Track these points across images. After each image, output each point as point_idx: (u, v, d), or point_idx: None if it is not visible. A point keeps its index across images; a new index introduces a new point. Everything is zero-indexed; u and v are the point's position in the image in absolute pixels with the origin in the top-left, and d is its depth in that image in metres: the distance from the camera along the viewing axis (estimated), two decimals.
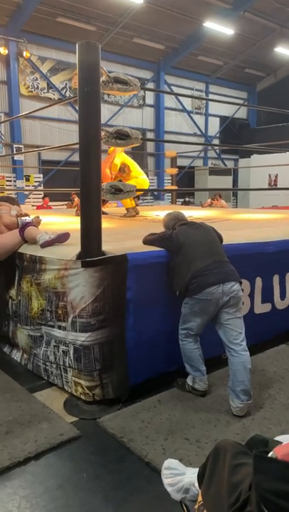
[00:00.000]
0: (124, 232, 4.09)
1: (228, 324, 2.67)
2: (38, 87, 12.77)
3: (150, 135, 15.46)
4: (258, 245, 3.52)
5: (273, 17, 13.53)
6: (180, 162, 12.10)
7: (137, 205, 5.50)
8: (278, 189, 8.86)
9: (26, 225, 3.33)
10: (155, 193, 15.48)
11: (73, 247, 2.81)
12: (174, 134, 16.09)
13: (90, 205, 2.71)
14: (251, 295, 3.46)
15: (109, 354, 2.74)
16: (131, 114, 15.09)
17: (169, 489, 1.74)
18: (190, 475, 1.69)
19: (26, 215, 3.66)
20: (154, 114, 15.77)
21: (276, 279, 3.67)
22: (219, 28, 12.99)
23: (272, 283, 3.64)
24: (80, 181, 2.71)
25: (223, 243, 3.05)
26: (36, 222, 3.47)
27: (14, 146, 12.25)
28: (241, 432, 2.42)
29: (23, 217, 3.51)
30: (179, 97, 16.43)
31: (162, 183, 15.61)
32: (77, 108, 2.83)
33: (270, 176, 14.51)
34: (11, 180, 12.58)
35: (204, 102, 17.28)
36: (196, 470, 1.63)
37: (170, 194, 10.97)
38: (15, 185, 12.48)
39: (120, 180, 5.23)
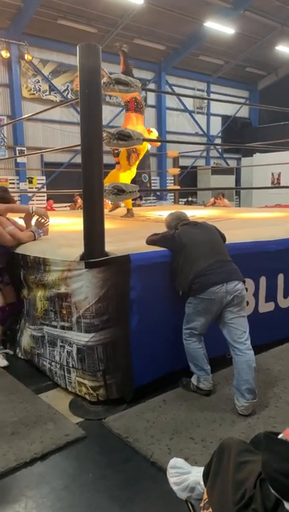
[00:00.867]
0: (127, 233, 4.10)
1: (232, 323, 2.68)
2: (39, 90, 12.80)
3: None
4: (261, 244, 3.52)
5: (274, 15, 13.49)
6: (182, 162, 12.09)
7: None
8: (281, 187, 8.83)
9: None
10: (158, 193, 15.48)
11: (77, 248, 2.82)
12: (176, 134, 16.08)
13: (92, 206, 2.72)
14: (256, 294, 3.46)
15: (113, 354, 2.75)
16: None
17: (174, 488, 1.75)
18: (195, 474, 1.69)
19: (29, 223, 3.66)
20: (155, 114, 15.77)
21: (281, 277, 3.67)
22: (220, 27, 12.98)
23: (276, 282, 3.64)
24: (83, 182, 2.72)
25: (227, 242, 3.06)
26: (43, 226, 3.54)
27: (17, 148, 12.29)
28: (247, 431, 2.42)
29: (37, 230, 3.54)
30: (180, 97, 16.40)
31: (165, 183, 15.60)
32: (78, 110, 2.84)
33: (272, 174, 14.49)
34: (14, 183, 12.62)
35: (206, 101, 17.26)
36: (202, 469, 1.64)
37: (173, 194, 10.96)
38: (18, 188, 12.52)
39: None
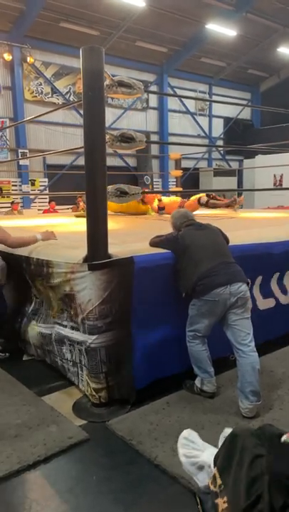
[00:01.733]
0: (131, 234, 4.10)
1: (236, 325, 2.67)
2: (42, 92, 12.84)
3: (154, 137, 15.47)
4: (264, 245, 3.51)
5: (276, 17, 13.50)
6: (184, 164, 12.09)
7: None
8: (284, 189, 8.80)
9: None
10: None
11: (80, 250, 2.82)
12: (178, 136, 16.09)
13: (96, 208, 2.72)
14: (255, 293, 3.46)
15: (115, 356, 2.75)
16: (135, 117, 15.12)
17: (182, 459, 1.71)
18: (208, 455, 1.66)
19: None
20: (157, 116, 15.79)
21: (287, 278, 3.67)
22: (222, 29, 12.99)
23: (276, 282, 3.63)
24: (86, 184, 2.72)
25: (230, 244, 3.05)
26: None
27: (19, 151, 12.32)
28: None
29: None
30: (182, 99, 16.42)
31: (167, 185, 15.61)
32: (81, 112, 2.85)
33: (275, 176, 14.45)
34: (16, 185, 12.65)
35: (208, 103, 17.28)
36: (215, 451, 1.62)
37: (175, 196, 10.96)
38: (20, 190, 12.54)
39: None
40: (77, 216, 6.45)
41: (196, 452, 1.71)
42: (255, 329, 2.74)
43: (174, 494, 1.83)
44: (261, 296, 3.53)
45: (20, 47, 11.95)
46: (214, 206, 5.88)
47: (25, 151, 12.41)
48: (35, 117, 5.07)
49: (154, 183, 15.57)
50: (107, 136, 2.78)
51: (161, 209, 5.43)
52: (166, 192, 15.32)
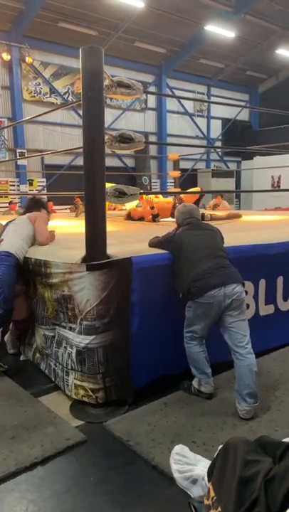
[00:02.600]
0: (129, 235, 4.10)
1: (232, 327, 2.67)
2: (40, 92, 12.83)
3: (152, 138, 15.48)
4: (261, 247, 3.52)
5: (274, 19, 13.54)
6: (183, 165, 12.10)
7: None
8: (281, 190, 8.83)
9: None
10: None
11: (78, 251, 2.82)
12: (177, 137, 16.10)
13: (94, 208, 2.72)
14: (255, 297, 3.46)
15: (113, 357, 2.75)
16: (133, 118, 15.13)
17: (176, 475, 1.72)
18: (201, 468, 1.67)
19: None
20: (156, 117, 15.80)
21: (280, 280, 3.66)
22: (220, 30, 13.02)
23: (276, 285, 3.64)
24: (85, 185, 2.72)
25: (227, 245, 3.05)
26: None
27: (17, 150, 12.30)
28: (248, 435, 2.39)
29: None
30: (181, 99, 16.44)
31: (165, 186, 15.62)
32: (79, 112, 2.85)
33: (273, 177, 14.49)
34: (14, 185, 12.62)
35: (206, 104, 17.30)
36: (208, 463, 1.62)
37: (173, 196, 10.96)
38: (18, 190, 12.52)
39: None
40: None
41: (189, 467, 1.72)
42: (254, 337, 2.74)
43: (171, 495, 1.83)
44: (264, 301, 3.53)
45: (19, 47, 11.93)
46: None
47: (24, 151, 12.39)
48: (33, 117, 5.07)
49: (153, 183, 15.58)
50: (106, 137, 2.78)
51: (155, 216, 5.41)
52: (164, 193, 15.35)
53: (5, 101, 12.30)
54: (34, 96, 12.71)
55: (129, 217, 5.83)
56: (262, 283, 3.49)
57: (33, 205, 3.75)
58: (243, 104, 18.38)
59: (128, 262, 2.74)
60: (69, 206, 11.89)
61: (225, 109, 17.71)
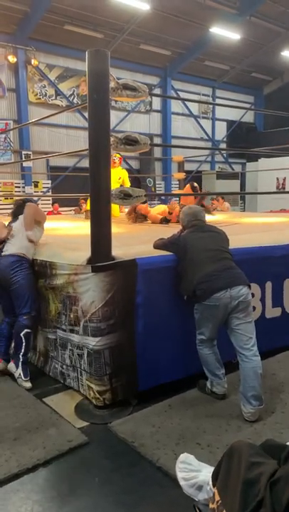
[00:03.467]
0: (134, 237, 4.11)
1: (238, 329, 2.66)
2: (46, 94, 12.88)
3: (157, 140, 15.49)
4: (267, 249, 3.51)
5: (279, 21, 13.53)
6: (187, 166, 12.10)
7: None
8: (286, 192, 8.80)
9: None
10: (162, 197, 15.49)
11: (83, 252, 2.83)
12: (181, 139, 16.11)
13: (99, 210, 2.73)
14: (262, 300, 3.45)
15: (119, 358, 2.75)
16: (138, 120, 15.15)
17: (182, 483, 1.73)
18: (205, 473, 1.68)
19: None
20: (161, 119, 15.81)
21: (287, 283, 3.65)
22: (225, 33, 13.02)
23: (282, 287, 3.63)
24: (90, 187, 2.73)
25: (233, 247, 3.05)
26: None
27: (23, 152, 12.35)
28: (253, 437, 2.40)
29: None
30: (185, 101, 16.45)
31: (170, 188, 15.62)
32: (84, 114, 2.86)
33: (278, 179, 14.45)
34: (19, 187, 12.68)
35: (211, 106, 17.29)
36: (212, 469, 1.63)
37: (178, 199, 10.98)
38: (24, 192, 12.57)
39: None
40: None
41: (194, 473, 1.73)
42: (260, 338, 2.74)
43: (175, 497, 1.83)
44: (271, 304, 3.52)
45: (25, 49, 12.00)
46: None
47: (29, 152, 12.44)
48: (39, 119, 5.10)
49: (157, 185, 15.59)
50: (112, 139, 2.79)
51: (164, 220, 5.36)
52: (168, 195, 15.36)
53: (11, 103, 12.37)
54: (40, 98, 12.76)
55: (134, 211, 5.71)
56: (268, 285, 3.48)
57: (17, 209, 3.58)
58: (248, 106, 18.36)
59: (133, 264, 2.75)
60: (74, 208, 11.93)
61: (230, 111, 17.70)
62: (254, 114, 19.05)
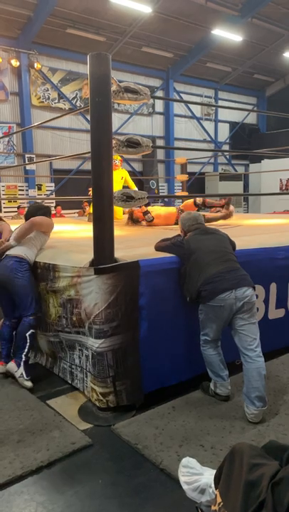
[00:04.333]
0: (137, 239, 4.11)
1: (242, 330, 2.66)
2: (49, 98, 12.94)
3: (160, 142, 15.52)
4: (271, 250, 3.51)
5: (281, 22, 13.52)
6: (190, 168, 12.12)
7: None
8: None
9: None
10: (165, 199, 15.51)
11: (86, 255, 2.84)
12: (184, 141, 16.12)
13: (102, 212, 2.74)
14: (266, 301, 3.45)
15: (122, 361, 2.75)
16: (141, 122, 15.19)
17: (184, 487, 1.73)
18: (208, 476, 1.68)
19: None
20: (163, 121, 15.84)
21: None
22: (227, 34, 13.03)
23: (286, 288, 3.62)
24: (93, 189, 2.74)
25: (236, 249, 3.05)
26: None
27: (26, 155, 12.42)
28: (256, 439, 2.40)
29: None
30: (188, 104, 16.46)
31: (172, 190, 15.63)
32: (87, 117, 2.88)
33: (281, 180, 14.45)
34: (23, 190, 12.73)
35: (213, 108, 17.31)
36: (214, 471, 1.63)
37: (181, 200, 11.00)
38: (27, 194, 12.62)
39: None
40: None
41: (196, 477, 1.73)
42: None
43: (179, 499, 1.83)
44: (275, 305, 3.52)
45: (28, 53, 12.07)
46: (211, 206, 5.86)
47: (32, 155, 12.50)
48: (42, 123, 5.12)
49: (160, 187, 15.60)
50: (114, 142, 2.80)
51: (145, 214, 5.30)
52: (171, 197, 15.37)
53: (14, 107, 12.44)
54: (42, 101, 12.83)
55: (131, 217, 5.62)
56: (273, 287, 3.48)
57: (34, 211, 3.58)
58: (250, 107, 18.35)
59: (136, 266, 2.76)
60: (77, 210, 11.97)
61: (232, 112, 17.72)
62: (257, 115, 19.04)
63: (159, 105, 15.57)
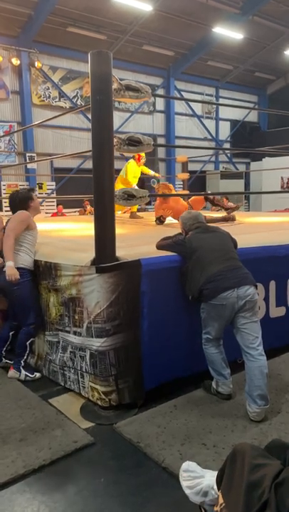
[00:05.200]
0: (138, 238, 4.11)
1: (244, 329, 2.66)
2: (49, 96, 12.94)
3: (161, 140, 15.51)
4: (271, 249, 3.50)
5: (282, 20, 13.50)
6: (191, 167, 12.07)
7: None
8: None
9: None
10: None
11: (88, 254, 2.84)
12: (185, 139, 16.11)
13: (103, 211, 2.74)
14: (266, 299, 3.44)
15: (124, 359, 2.75)
16: (142, 120, 15.18)
17: (187, 492, 1.73)
18: (209, 478, 1.68)
19: None
20: (164, 119, 15.83)
21: None
22: (228, 32, 13.02)
23: (286, 286, 3.61)
24: (94, 188, 2.74)
25: (237, 247, 3.05)
26: None
27: (27, 154, 12.42)
28: (259, 437, 2.40)
29: None
30: (189, 102, 16.45)
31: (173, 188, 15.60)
32: (88, 116, 2.87)
33: (282, 178, 14.43)
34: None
35: (214, 106, 17.28)
36: (215, 473, 1.63)
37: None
38: None
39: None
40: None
41: (198, 480, 1.72)
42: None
43: (181, 497, 1.82)
44: (275, 303, 3.51)
45: (28, 52, 12.07)
46: (217, 204, 5.89)
47: (33, 154, 12.50)
48: (42, 121, 5.12)
49: None
50: (115, 140, 2.80)
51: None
52: (172, 195, 15.35)
53: (14, 105, 12.43)
54: (43, 100, 12.82)
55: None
56: (272, 285, 3.47)
57: (17, 203, 3.36)
58: (251, 105, 18.34)
59: (137, 264, 2.75)
60: (78, 209, 11.97)
61: (233, 110, 17.69)
62: (258, 113, 19.02)
63: (160, 103, 15.56)
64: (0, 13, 10.65)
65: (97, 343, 2.73)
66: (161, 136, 15.63)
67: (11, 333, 3.44)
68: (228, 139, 17.99)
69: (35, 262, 3.30)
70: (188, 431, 2.49)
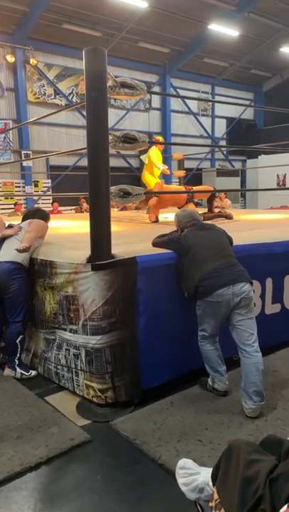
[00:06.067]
0: (134, 235, 4.11)
1: (240, 325, 2.67)
2: (45, 94, 12.87)
3: None
4: (267, 246, 3.51)
5: (278, 17, 13.47)
6: (187, 164, 12.06)
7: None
8: (287, 189, 8.79)
9: None
10: None
11: (83, 251, 2.84)
12: (181, 137, 16.08)
13: (99, 208, 2.73)
14: (262, 296, 3.45)
15: (120, 356, 2.76)
16: (137, 118, 15.14)
17: (183, 489, 1.74)
18: (205, 474, 1.69)
19: None
20: (160, 117, 15.80)
21: (287, 279, 3.65)
22: (224, 29, 12.98)
23: (282, 283, 3.63)
24: (89, 186, 2.73)
25: (233, 244, 3.05)
26: None
27: (22, 152, 12.36)
28: (254, 433, 2.41)
29: None
30: (185, 99, 16.41)
31: None
32: (83, 113, 2.86)
33: (278, 176, 14.43)
34: (20, 186, 12.68)
35: (210, 103, 17.26)
36: (210, 470, 1.63)
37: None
38: (24, 191, 12.58)
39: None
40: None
41: (193, 477, 1.73)
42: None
43: (178, 494, 1.83)
44: (271, 300, 3.52)
45: (23, 49, 11.99)
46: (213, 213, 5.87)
47: (29, 152, 12.44)
48: (38, 119, 5.09)
49: None
50: (110, 137, 2.79)
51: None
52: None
53: (10, 103, 12.36)
54: (38, 97, 12.75)
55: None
56: (269, 282, 3.48)
57: (31, 214, 3.69)
58: (247, 102, 18.30)
59: (133, 262, 2.75)
60: (74, 207, 11.94)
61: (229, 108, 17.67)
62: (254, 110, 19.01)
63: (156, 101, 15.52)
64: None
65: (93, 341, 2.73)
66: (157, 133, 15.58)
67: (4, 327, 3.43)
68: (224, 137, 17.99)
69: (31, 259, 3.30)
70: (185, 427, 2.50)
